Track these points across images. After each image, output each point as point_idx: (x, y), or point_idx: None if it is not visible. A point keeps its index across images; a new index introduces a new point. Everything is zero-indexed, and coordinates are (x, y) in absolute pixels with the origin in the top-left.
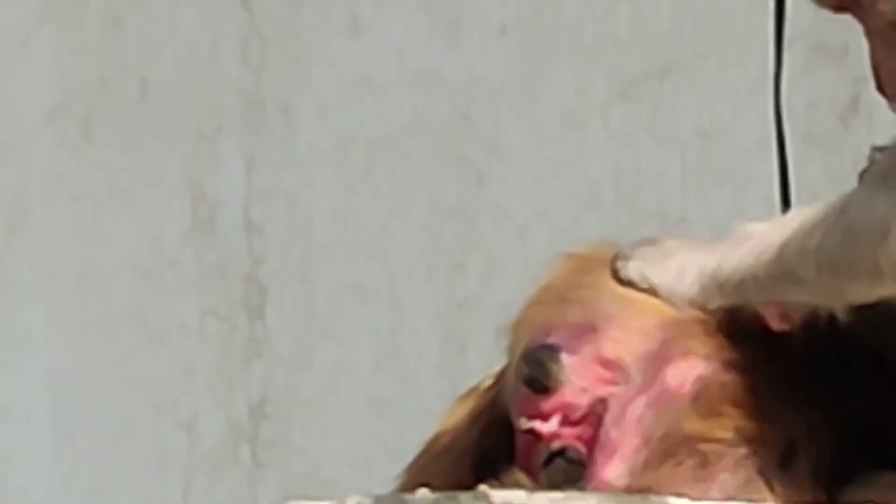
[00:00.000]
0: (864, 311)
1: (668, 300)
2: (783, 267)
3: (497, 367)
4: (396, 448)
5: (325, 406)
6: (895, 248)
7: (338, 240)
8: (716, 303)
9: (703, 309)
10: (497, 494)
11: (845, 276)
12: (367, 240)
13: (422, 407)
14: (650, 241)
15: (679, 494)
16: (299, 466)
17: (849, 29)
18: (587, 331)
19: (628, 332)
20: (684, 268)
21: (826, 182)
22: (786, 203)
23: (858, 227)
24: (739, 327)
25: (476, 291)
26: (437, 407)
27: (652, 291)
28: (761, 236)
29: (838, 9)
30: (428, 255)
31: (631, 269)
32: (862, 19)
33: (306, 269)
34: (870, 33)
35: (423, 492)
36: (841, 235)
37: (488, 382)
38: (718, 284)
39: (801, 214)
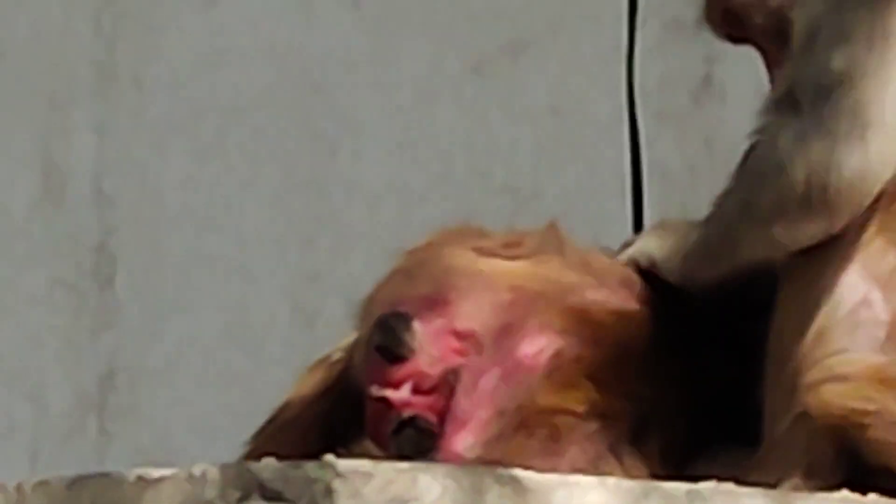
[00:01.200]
0: (722, 290)
1: (667, 277)
2: (728, 229)
3: (348, 340)
4: (245, 419)
5: (173, 377)
6: (795, 182)
7: (188, 211)
8: (693, 278)
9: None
10: (343, 463)
11: (766, 222)
12: (218, 211)
13: (270, 378)
14: (659, 224)
15: (527, 467)
16: (147, 437)
17: (701, 6)
18: (439, 303)
19: (480, 306)
20: (676, 247)
21: (678, 159)
22: (637, 180)
23: (762, 169)
24: (596, 304)
25: (326, 264)
26: (285, 378)
27: (650, 267)
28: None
29: None
30: (279, 227)
31: (635, 248)
32: None
33: (156, 239)
34: None
35: (270, 460)
36: (752, 183)
37: (338, 355)
38: (687, 260)
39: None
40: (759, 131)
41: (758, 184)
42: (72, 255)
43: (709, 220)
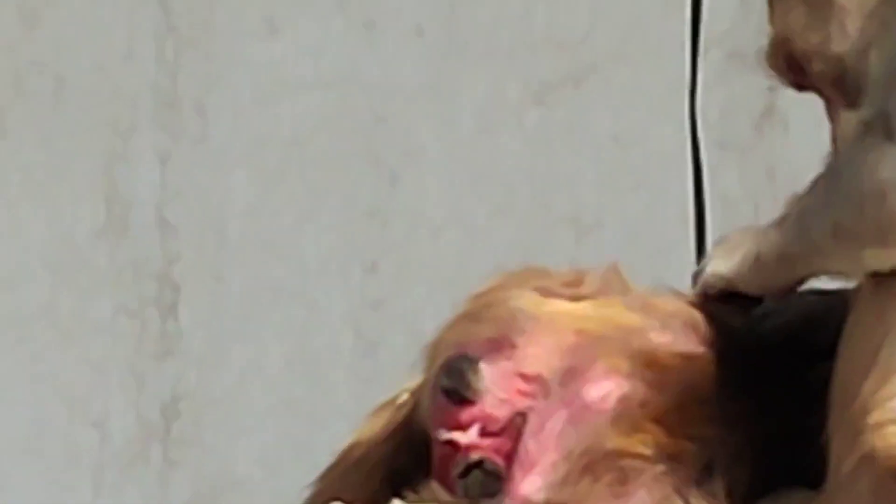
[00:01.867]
0: (785, 328)
1: (744, 289)
2: (811, 244)
3: (414, 382)
4: (307, 447)
5: (236, 405)
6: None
7: (251, 239)
8: (770, 284)
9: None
10: None
11: (857, 244)
12: (281, 239)
13: (333, 407)
14: (721, 240)
15: None
16: (210, 465)
17: (764, 37)
18: (505, 346)
19: (546, 348)
20: (747, 256)
21: (740, 189)
22: (700, 210)
23: (856, 192)
24: (661, 347)
25: (389, 292)
26: (348, 407)
27: (727, 286)
28: (798, 210)
29: None
30: (341, 256)
31: (707, 273)
32: None
33: (219, 267)
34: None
35: None
36: (844, 205)
37: (404, 397)
38: (762, 266)
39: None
40: (847, 155)
41: (851, 207)
42: (135, 284)
43: (784, 230)
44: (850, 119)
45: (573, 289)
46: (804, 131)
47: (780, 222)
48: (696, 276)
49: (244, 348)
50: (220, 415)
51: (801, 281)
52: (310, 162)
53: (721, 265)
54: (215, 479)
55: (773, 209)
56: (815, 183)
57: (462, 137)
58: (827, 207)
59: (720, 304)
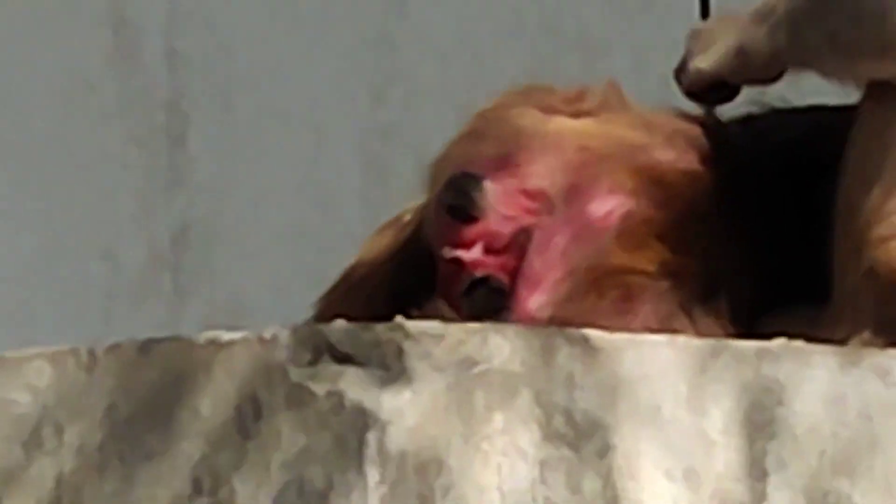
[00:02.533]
0: (788, 144)
1: (731, 80)
2: (799, 42)
3: (418, 201)
4: (318, 275)
5: (246, 233)
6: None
7: (259, 67)
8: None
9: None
10: (413, 325)
11: (854, 55)
12: (289, 67)
13: (343, 234)
14: (695, 34)
15: (599, 327)
16: (221, 294)
17: None
18: (509, 164)
19: (550, 166)
20: (729, 48)
21: (747, 5)
22: None
23: (857, 5)
24: (665, 164)
25: (398, 119)
26: (358, 234)
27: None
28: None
29: None
30: (350, 83)
31: (690, 69)
32: None
33: (228, 96)
34: None
35: (340, 322)
36: (841, 19)
37: (409, 216)
38: (748, 59)
39: None
40: None
41: (849, 20)
42: (144, 113)
43: (772, 28)
44: None
45: (575, 105)
46: None
47: (763, 17)
48: (678, 74)
49: (253, 176)
50: (230, 243)
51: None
52: None
53: (702, 60)
54: (226, 308)
55: None
56: None
57: None
58: (822, 15)
59: (720, 121)
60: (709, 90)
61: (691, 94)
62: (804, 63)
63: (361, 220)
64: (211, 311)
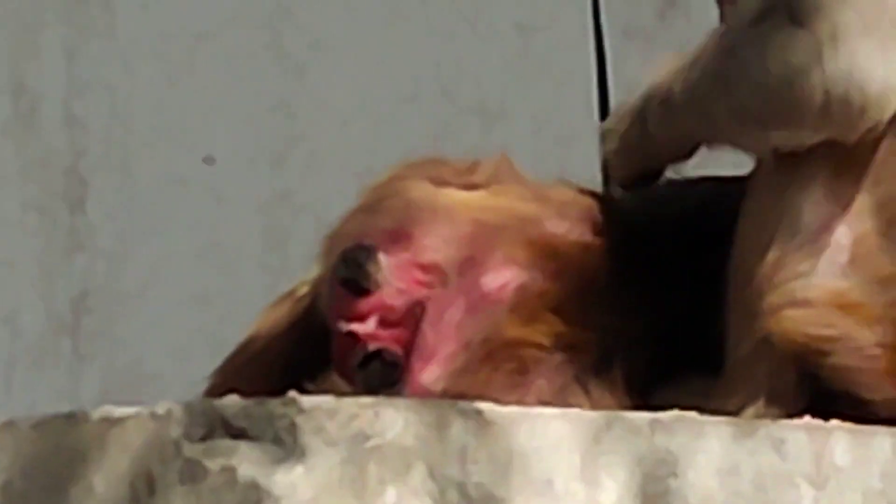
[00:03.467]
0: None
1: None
2: (707, 121)
3: (313, 274)
4: (217, 341)
5: (146, 299)
6: (811, 96)
7: (159, 133)
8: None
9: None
10: (306, 399)
11: (762, 126)
12: (189, 133)
13: (243, 300)
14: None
15: (493, 400)
16: (121, 359)
17: None
18: (403, 237)
19: (443, 239)
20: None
21: (644, 76)
22: (603, 97)
23: (763, 74)
24: (558, 236)
25: (298, 184)
26: (258, 300)
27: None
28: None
29: None
30: (250, 149)
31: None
32: None
33: (128, 162)
34: None
35: (233, 397)
36: (746, 85)
37: (304, 289)
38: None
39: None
40: (743, 36)
41: (756, 89)
42: (43, 179)
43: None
44: (749, 1)
45: (466, 177)
46: (707, 18)
47: (663, 103)
48: (604, 171)
49: (153, 242)
50: (130, 309)
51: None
52: (217, 55)
53: (616, 157)
54: (126, 374)
55: None
56: (705, 63)
57: (368, 27)
58: (726, 90)
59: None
60: (635, 180)
61: (623, 186)
62: (716, 139)
63: (261, 286)
64: (111, 376)
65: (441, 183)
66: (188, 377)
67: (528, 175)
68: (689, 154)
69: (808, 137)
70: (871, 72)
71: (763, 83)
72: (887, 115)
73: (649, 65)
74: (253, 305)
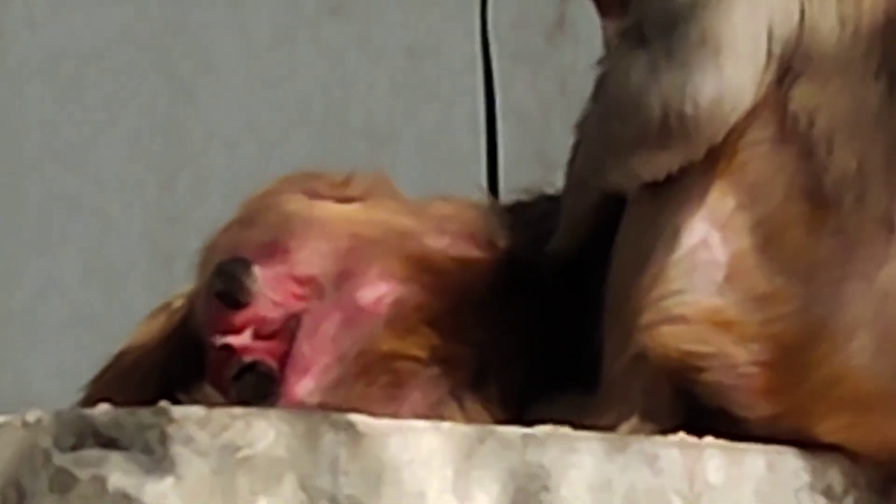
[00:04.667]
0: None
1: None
2: (593, 160)
3: (189, 287)
4: (104, 362)
5: (33, 320)
6: (651, 114)
7: (47, 153)
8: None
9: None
10: (177, 409)
11: (627, 154)
12: (77, 153)
13: (129, 321)
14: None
15: (368, 412)
16: (8, 379)
17: None
18: (279, 250)
19: (319, 252)
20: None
21: (532, 100)
22: (491, 121)
23: (617, 102)
24: (436, 251)
25: (185, 206)
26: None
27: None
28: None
29: None
30: (137, 170)
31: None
32: None
33: (15, 182)
34: None
35: (104, 406)
36: (610, 117)
37: (179, 302)
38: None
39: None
40: (609, 65)
41: (616, 117)
42: None
43: (578, 156)
44: (613, 29)
45: (341, 190)
46: (596, 43)
47: (573, 148)
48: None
49: (41, 263)
50: (17, 330)
51: (598, 207)
52: (105, 75)
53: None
54: (11, 395)
55: (564, 121)
56: (591, 100)
57: (258, 49)
58: (600, 121)
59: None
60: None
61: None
62: (597, 183)
63: (147, 307)
64: None
65: (316, 196)
66: (73, 398)
67: (402, 193)
68: (589, 214)
69: (663, 161)
70: (703, 84)
71: (617, 108)
72: (724, 129)
73: (536, 88)
74: None
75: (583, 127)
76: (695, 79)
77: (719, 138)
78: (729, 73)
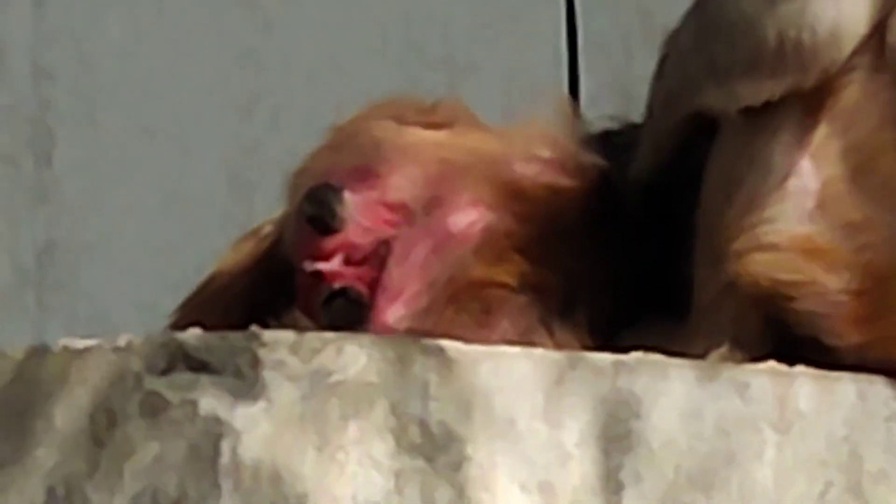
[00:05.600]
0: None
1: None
2: (690, 82)
3: (278, 213)
4: (183, 292)
5: (111, 251)
6: (765, 40)
7: (125, 83)
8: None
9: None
10: (268, 334)
11: (730, 78)
12: (155, 84)
13: (208, 251)
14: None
15: (457, 339)
16: (86, 311)
17: None
18: (369, 175)
19: (410, 178)
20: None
21: (613, 31)
22: (573, 51)
23: (726, 27)
24: (526, 178)
25: (264, 137)
26: (223, 251)
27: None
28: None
29: None
30: (216, 101)
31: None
32: None
33: (94, 112)
34: None
35: (195, 330)
36: (716, 41)
37: (268, 227)
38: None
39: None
40: None
41: (722, 40)
42: (9, 130)
43: (667, 71)
44: None
45: (428, 116)
46: None
47: (661, 63)
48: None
49: (118, 193)
50: (95, 260)
51: (685, 120)
52: (184, 5)
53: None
54: (90, 325)
55: (645, 51)
56: (687, 19)
57: None
58: (701, 44)
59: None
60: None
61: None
62: (692, 102)
63: (226, 238)
64: (75, 328)
65: (404, 122)
66: (153, 329)
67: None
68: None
69: (770, 87)
70: (821, 13)
71: (725, 33)
72: (840, 57)
73: (618, 21)
74: (217, 257)
75: (675, 44)
76: (813, 7)
77: (835, 69)
78: (846, 1)
